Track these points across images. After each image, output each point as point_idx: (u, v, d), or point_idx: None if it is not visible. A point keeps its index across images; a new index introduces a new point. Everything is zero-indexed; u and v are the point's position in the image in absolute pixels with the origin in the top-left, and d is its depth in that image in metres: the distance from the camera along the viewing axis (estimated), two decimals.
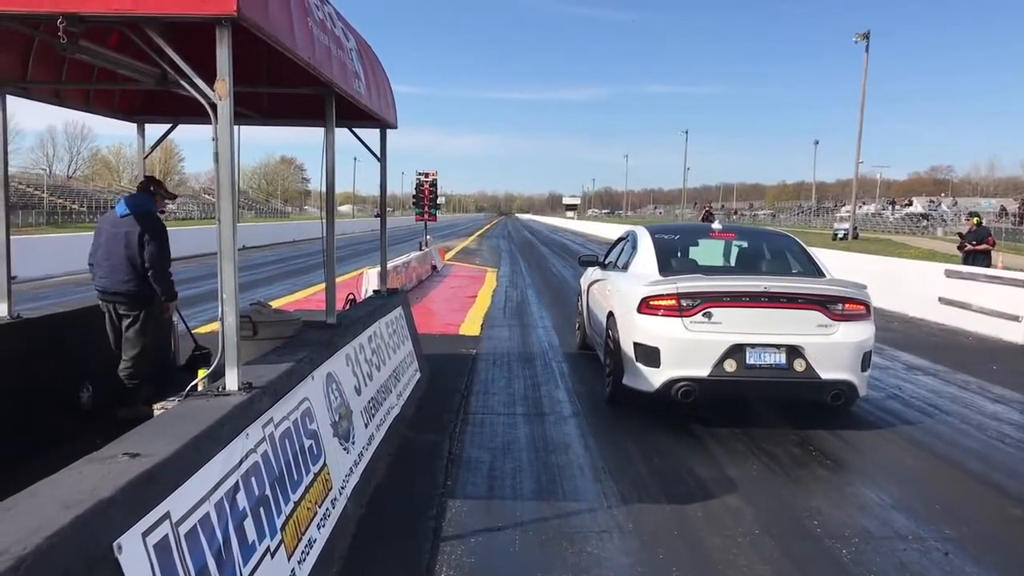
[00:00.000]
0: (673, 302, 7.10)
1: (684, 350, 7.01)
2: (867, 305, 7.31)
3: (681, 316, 7.05)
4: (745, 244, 8.99)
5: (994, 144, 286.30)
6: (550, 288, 20.40)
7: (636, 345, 7.30)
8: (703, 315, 7.01)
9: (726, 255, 8.83)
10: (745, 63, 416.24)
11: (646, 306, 7.23)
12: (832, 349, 7.01)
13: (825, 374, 6.98)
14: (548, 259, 33.20)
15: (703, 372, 6.96)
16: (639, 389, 7.38)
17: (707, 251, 8.73)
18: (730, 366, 6.93)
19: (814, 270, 8.03)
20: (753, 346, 6.94)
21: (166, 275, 6.61)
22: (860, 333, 7.15)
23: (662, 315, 7.14)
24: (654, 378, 7.15)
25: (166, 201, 6.97)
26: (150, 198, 6.76)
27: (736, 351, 6.94)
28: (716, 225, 9.15)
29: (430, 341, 10.61)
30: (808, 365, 6.95)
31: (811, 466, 6.40)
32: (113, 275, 6.53)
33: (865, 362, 7.21)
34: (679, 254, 8.58)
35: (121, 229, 6.51)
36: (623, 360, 7.57)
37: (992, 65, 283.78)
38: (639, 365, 7.29)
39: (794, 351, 6.96)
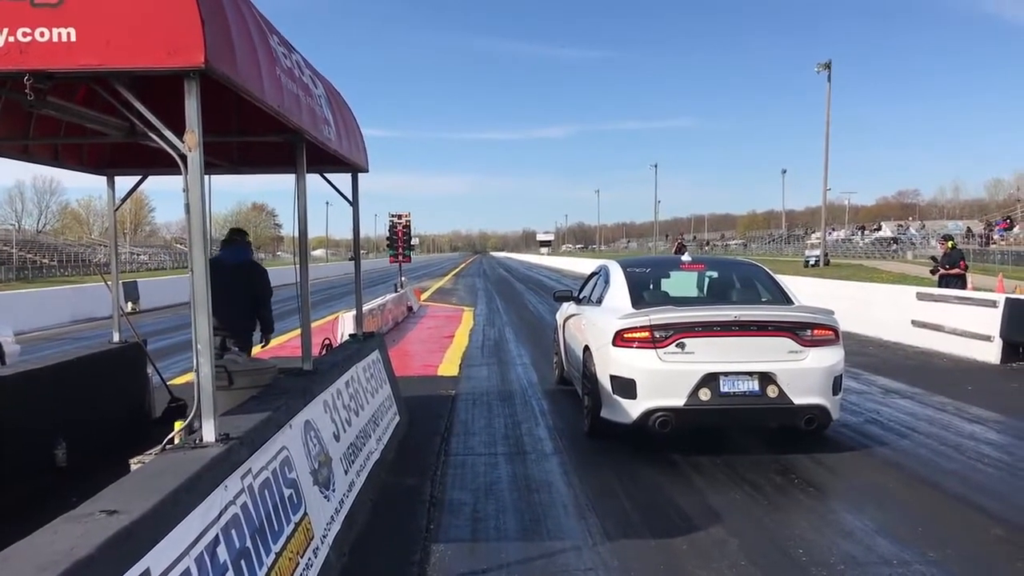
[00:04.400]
0: (647, 334, 7.22)
1: (659, 381, 7.12)
2: (835, 330, 7.46)
3: (655, 347, 7.17)
4: (715, 274, 9.19)
5: (958, 167, 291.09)
6: (527, 325, 20.40)
7: (612, 378, 7.40)
8: (676, 346, 7.13)
9: (697, 286, 8.99)
10: (711, 97, 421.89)
11: (620, 339, 7.34)
12: (803, 374, 7.14)
13: (797, 399, 7.11)
14: (524, 296, 33.23)
15: (679, 402, 7.07)
16: (617, 421, 7.47)
17: (678, 283, 8.92)
18: (705, 395, 7.05)
19: (782, 297, 8.20)
20: (726, 374, 7.06)
21: (271, 314, 8.11)
22: (830, 358, 7.29)
23: (636, 347, 7.25)
24: (631, 410, 7.23)
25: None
26: (249, 247, 8.29)
27: (710, 380, 7.05)
28: (686, 257, 9.28)
29: (408, 383, 10.56)
30: (780, 391, 7.07)
31: (793, 493, 6.41)
32: (226, 314, 7.17)
33: (836, 386, 7.35)
34: (651, 287, 8.76)
35: (233, 276, 7.43)
36: (600, 393, 7.68)
37: (954, 90, 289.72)
38: (616, 397, 7.38)
39: (766, 378, 7.08)
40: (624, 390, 7.29)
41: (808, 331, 7.28)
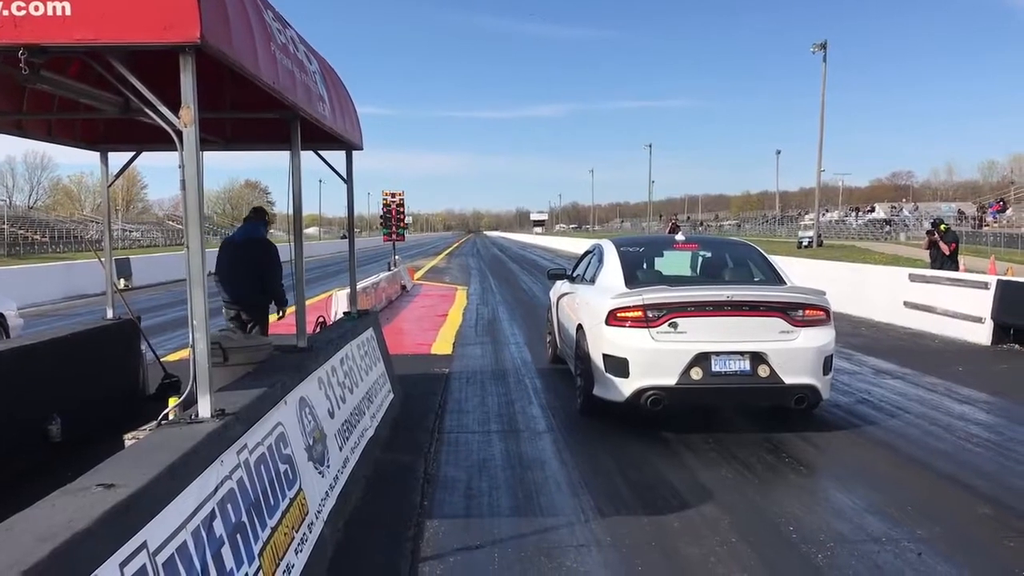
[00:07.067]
0: (639, 313, 7.26)
1: (651, 360, 7.16)
2: (827, 311, 7.49)
3: (648, 327, 7.21)
4: (708, 254, 9.23)
5: (953, 149, 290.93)
6: (521, 304, 20.42)
7: (605, 356, 7.46)
8: (669, 325, 7.17)
9: (690, 266, 9.02)
10: (706, 77, 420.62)
11: (613, 318, 7.38)
12: (794, 354, 7.19)
13: (788, 379, 7.15)
14: (518, 275, 33.23)
15: (671, 381, 7.11)
16: (609, 399, 7.53)
17: (672, 262, 8.97)
18: (696, 374, 7.09)
19: (775, 278, 8.22)
20: (718, 354, 7.11)
21: (280, 288, 8.33)
22: (821, 338, 7.33)
23: (629, 326, 7.29)
24: (624, 388, 7.30)
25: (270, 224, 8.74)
26: (262, 224, 8.53)
27: (702, 359, 7.10)
28: (679, 237, 9.36)
29: (402, 361, 10.58)
30: (772, 371, 7.13)
31: (784, 472, 6.46)
32: (237, 287, 8.22)
33: (827, 366, 7.40)
34: (644, 266, 8.78)
35: (242, 251, 8.26)
36: (593, 371, 7.74)
37: (949, 72, 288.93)
38: (609, 376, 7.43)
39: (757, 357, 7.13)
40: (616, 369, 7.34)
41: (800, 311, 7.31)
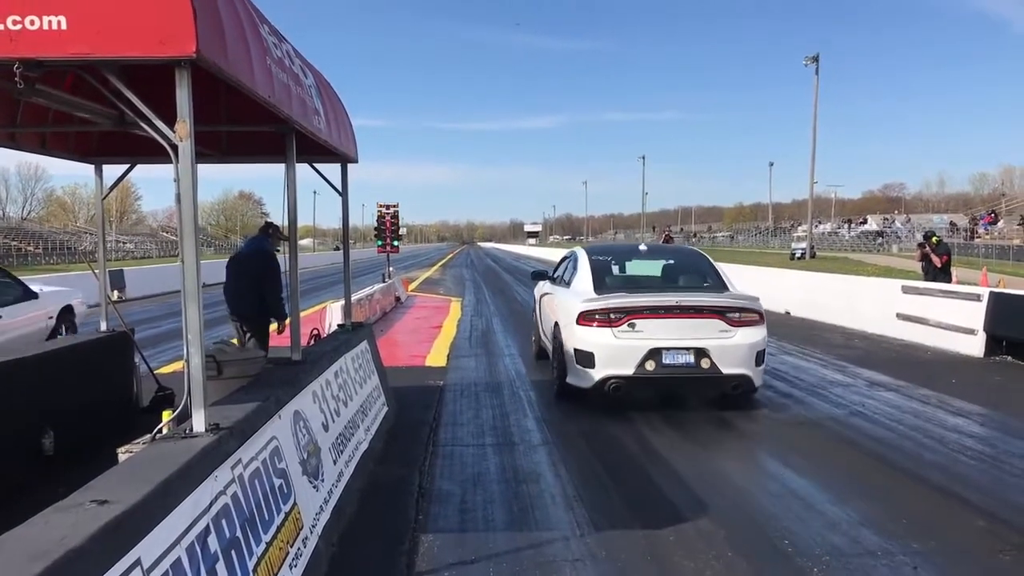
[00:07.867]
0: (604, 316, 8.66)
1: (613, 354, 8.56)
2: (760, 313, 8.87)
3: (611, 326, 8.62)
4: (666, 262, 10.73)
5: (944, 161, 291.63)
6: (514, 315, 20.39)
7: (576, 350, 8.87)
8: (628, 325, 8.59)
9: (651, 272, 10.42)
10: (700, 89, 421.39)
11: (583, 319, 8.80)
12: (731, 350, 8.56)
13: (726, 370, 8.55)
14: (512, 287, 33.22)
15: (629, 371, 8.53)
16: (580, 386, 8.94)
17: (635, 269, 10.52)
18: (650, 366, 8.50)
19: (720, 284, 9.73)
20: (668, 349, 8.50)
21: (278, 301, 8.34)
22: (754, 336, 8.71)
23: (596, 326, 8.69)
24: (591, 375, 8.69)
25: (280, 240, 8.48)
26: (267, 239, 8.62)
27: (655, 354, 8.49)
28: (642, 247, 11.14)
29: (396, 374, 10.55)
30: (712, 363, 8.50)
31: (779, 486, 6.45)
32: (239, 300, 8.55)
33: (759, 359, 8.77)
34: (612, 271, 10.30)
35: (244, 265, 8.53)
36: (567, 362, 9.17)
37: (941, 84, 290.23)
38: (579, 366, 8.85)
39: (700, 352, 8.50)
40: (585, 360, 8.72)
41: (736, 314, 8.69)
